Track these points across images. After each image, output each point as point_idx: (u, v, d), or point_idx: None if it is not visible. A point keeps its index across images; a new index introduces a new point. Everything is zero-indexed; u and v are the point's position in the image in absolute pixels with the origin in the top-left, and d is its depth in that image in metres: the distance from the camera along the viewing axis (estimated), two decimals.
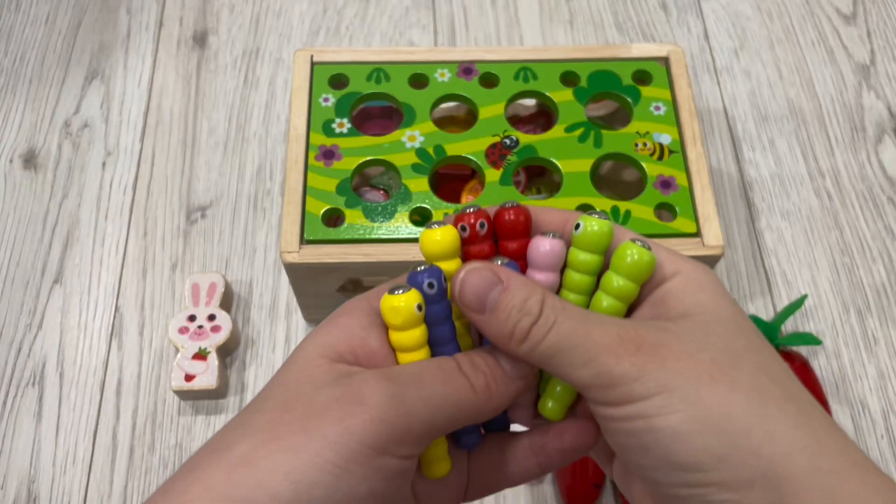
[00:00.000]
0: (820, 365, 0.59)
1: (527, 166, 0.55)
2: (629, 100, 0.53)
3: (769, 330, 0.56)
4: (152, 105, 0.70)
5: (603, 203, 0.49)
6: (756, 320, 0.57)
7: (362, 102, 0.54)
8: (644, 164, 0.51)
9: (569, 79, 0.55)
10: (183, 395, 0.55)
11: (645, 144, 0.52)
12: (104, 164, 0.67)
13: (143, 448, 0.55)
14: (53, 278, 0.61)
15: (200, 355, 0.55)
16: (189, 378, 0.54)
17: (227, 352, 0.57)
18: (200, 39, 0.74)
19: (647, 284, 0.27)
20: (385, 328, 0.26)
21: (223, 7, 0.76)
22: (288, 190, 0.50)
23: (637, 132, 0.52)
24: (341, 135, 0.52)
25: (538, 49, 0.56)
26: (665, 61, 0.55)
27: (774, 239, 0.64)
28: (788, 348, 0.56)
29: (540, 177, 0.60)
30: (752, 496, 0.22)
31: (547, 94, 0.54)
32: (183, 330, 0.56)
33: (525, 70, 0.54)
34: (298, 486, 0.22)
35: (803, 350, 0.59)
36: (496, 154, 0.51)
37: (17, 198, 0.65)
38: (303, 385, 0.24)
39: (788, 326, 0.60)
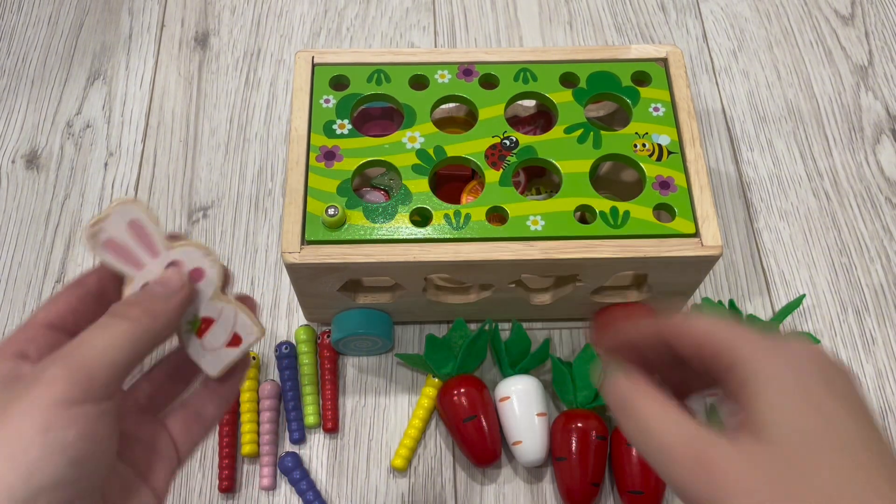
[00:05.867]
0: None
1: (526, 167, 0.56)
2: (628, 101, 0.54)
3: (768, 329, 0.56)
4: (154, 106, 0.70)
5: (602, 203, 0.50)
6: (754, 319, 0.57)
7: (363, 104, 0.55)
8: (643, 165, 0.51)
9: (568, 80, 0.55)
10: None
11: (644, 145, 0.52)
12: (106, 165, 0.67)
13: None
14: (55, 278, 0.62)
15: None
16: None
17: None
18: (202, 41, 0.74)
19: (735, 375, 0.27)
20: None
21: (224, 8, 0.76)
22: (289, 190, 0.50)
23: (636, 133, 0.53)
24: (342, 136, 0.52)
25: (538, 50, 0.56)
26: (664, 62, 0.56)
27: (773, 239, 0.64)
28: None
29: (539, 177, 0.61)
30: None
31: (546, 95, 0.54)
32: None
33: (525, 71, 0.55)
34: (27, 468, 0.25)
35: None
36: (496, 155, 0.52)
37: (19, 198, 0.65)
38: None
39: (787, 326, 0.61)
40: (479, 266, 0.49)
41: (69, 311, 0.30)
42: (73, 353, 0.27)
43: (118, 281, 0.31)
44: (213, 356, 0.32)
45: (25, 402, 0.26)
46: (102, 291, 0.31)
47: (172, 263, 0.31)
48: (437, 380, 0.57)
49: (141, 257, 0.31)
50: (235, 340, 0.33)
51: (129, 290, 0.31)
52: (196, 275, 0.32)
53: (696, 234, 0.49)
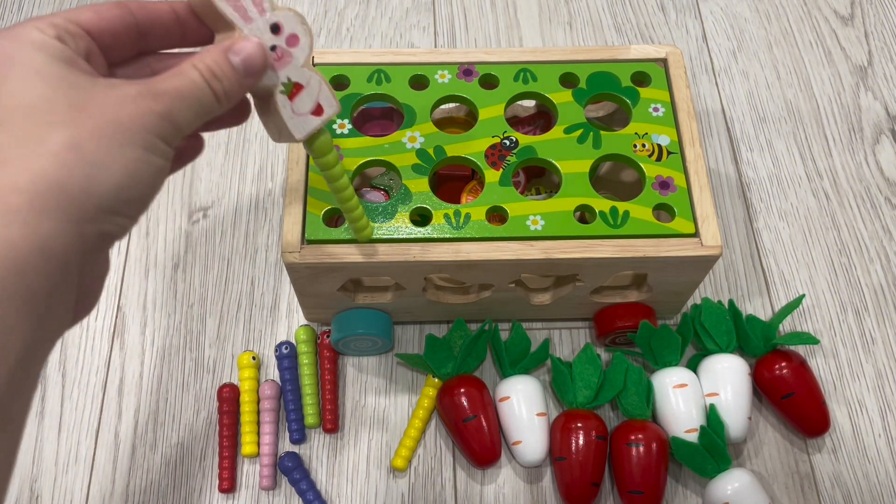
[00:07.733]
0: (818, 364, 0.59)
1: (526, 167, 0.56)
2: (628, 101, 0.54)
3: (767, 329, 0.56)
4: None
5: (602, 203, 0.50)
6: (753, 319, 0.57)
7: (363, 104, 0.55)
8: (642, 165, 0.51)
9: (568, 80, 0.55)
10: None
11: (643, 145, 0.52)
12: None
13: (144, 447, 0.56)
14: None
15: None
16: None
17: None
18: None
19: None
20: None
21: None
22: (289, 190, 0.50)
23: (636, 133, 0.53)
24: (342, 136, 0.52)
25: (537, 50, 0.56)
26: (663, 63, 0.56)
27: (772, 239, 0.64)
28: (786, 347, 0.57)
29: (539, 177, 0.61)
30: None
31: (546, 95, 0.54)
32: None
33: (524, 71, 0.55)
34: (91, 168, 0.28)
35: (801, 349, 0.59)
36: (496, 155, 0.52)
37: None
38: (67, 81, 0.30)
39: (786, 326, 0.61)
40: (478, 266, 0.49)
41: (110, 28, 0.33)
42: (166, 100, 0.31)
43: (197, 20, 0.34)
44: (300, 120, 0.37)
45: (119, 118, 0.29)
46: (179, 20, 0.34)
47: (276, 25, 0.35)
48: (437, 380, 0.57)
49: (250, 11, 0.34)
50: (318, 110, 0.38)
51: (223, 40, 0.34)
52: (292, 41, 0.35)
53: (696, 234, 0.49)
